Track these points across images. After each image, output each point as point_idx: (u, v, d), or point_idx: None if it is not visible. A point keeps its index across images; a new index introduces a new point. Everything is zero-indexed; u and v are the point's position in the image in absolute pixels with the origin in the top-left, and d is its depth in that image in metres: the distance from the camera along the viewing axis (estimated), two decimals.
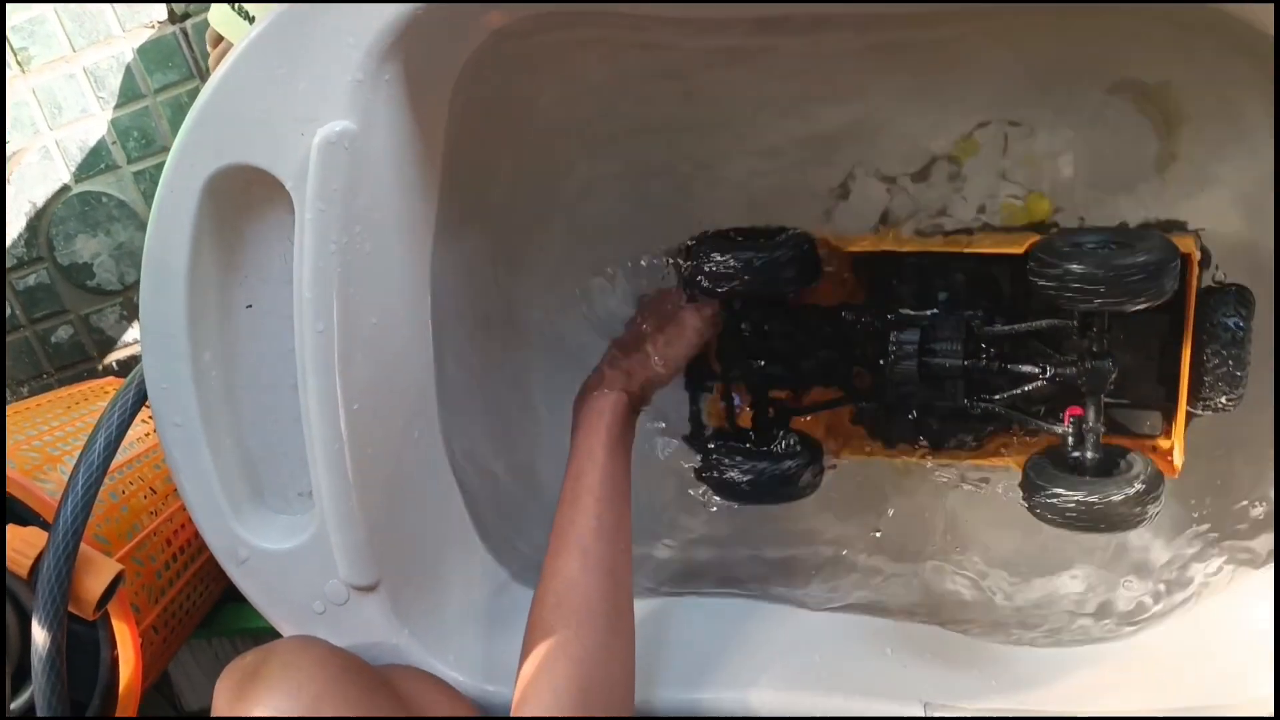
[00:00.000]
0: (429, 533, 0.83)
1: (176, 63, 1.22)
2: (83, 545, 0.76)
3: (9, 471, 0.85)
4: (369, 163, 0.70)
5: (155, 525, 0.98)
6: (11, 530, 0.79)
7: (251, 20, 1.03)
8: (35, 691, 0.76)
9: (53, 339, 1.30)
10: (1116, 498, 0.70)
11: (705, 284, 0.80)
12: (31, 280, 1.28)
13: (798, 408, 0.89)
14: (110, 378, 1.30)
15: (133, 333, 1.30)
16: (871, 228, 0.92)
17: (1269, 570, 0.83)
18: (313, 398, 0.71)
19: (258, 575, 0.77)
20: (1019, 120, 0.87)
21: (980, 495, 0.94)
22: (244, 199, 0.72)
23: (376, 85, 0.69)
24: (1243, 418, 0.84)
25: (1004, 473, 0.91)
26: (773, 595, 0.93)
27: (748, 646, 0.86)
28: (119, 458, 0.80)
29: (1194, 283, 0.74)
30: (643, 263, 0.93)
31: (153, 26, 1.21)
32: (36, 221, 1.26)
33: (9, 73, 1.22)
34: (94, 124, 1.24)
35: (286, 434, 0.77)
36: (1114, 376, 0.75)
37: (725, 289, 0.79)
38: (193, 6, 1.19)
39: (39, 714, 0.77)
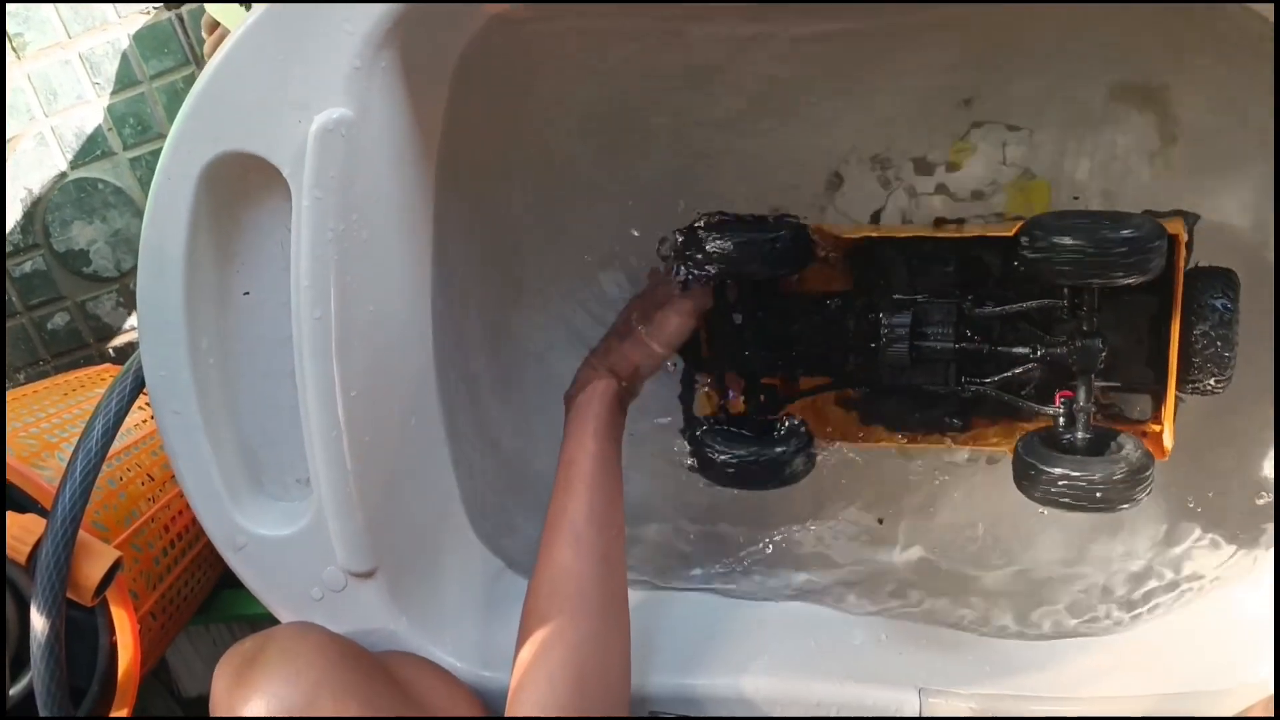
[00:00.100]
0: (427, 519, 0.83)
1: (172, 49, 1.21)
2: (81, 532, 0.76)
3: (7, 459, 0.85)
4: (366, 150, 0.70)
5: (153, 512, 0.98)
6: (10, 517, 0.79)
7: (249, 6, 1.03)
8: (34, 678, 0.77)
9: (49, 326, 1.30)
10: (1106, 477, 0.71)
11: (697, 267, 0.80)
12: (28, 267, 1.28)
13: (789, 393, 0.90)
14: (107, 364, 1.30)
15: (129, 320, 1.30)
16: (867, 217, 0.92)
17: (1259, 559, 0.83)
18: (310, 385, 0.71)
19: (256, 562, 0.78)
20: (1017, 120, 0.87)
21: (972, 482, 0.94)
22: (241, 186, 0.72)
23: (373, 72, 0.69)
24: (1238, 408, 0.85)
25: (996, 458, 0.92)
26: (765, 586, 0.93)
27: (741, 633, 0.87)
28: (117, 444, 0.80)
29: (1181, 264, 0.75)
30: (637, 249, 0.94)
31: (148, 13, 1.20)
32: (32, 208, 1.26)
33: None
34: (90, 110, 1.23)
35: (284, 421, 0.77)
36: (1104, 356, 0.76)
37: (717, 272, 0.79)
38: None
39: (38, 700, 0.77)
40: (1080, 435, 0.77)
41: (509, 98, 0.87)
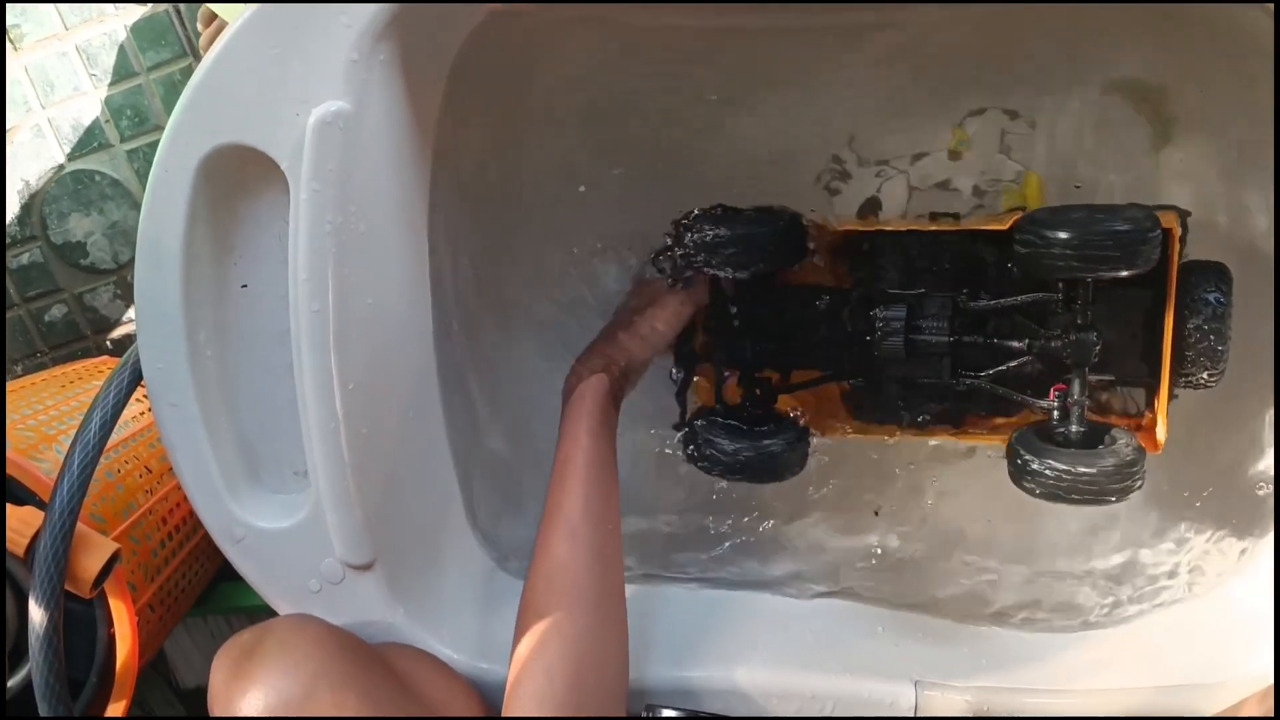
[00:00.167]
0: (425, 512, 0.83)
1: (169, 40, 1.21)
2: (79, 524, 0.76)
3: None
4: (364, 143, 0.70)
5: (151, 504, 0.98)
6: (8, 509, 0.80)
7: None
8: (32, 669, 0.77)
9: (46, 318, 1.30)
10: (1099, 469, 0.71)
11: (692, 260, 0.80)
12: (25, 259, 1.28)
13: (784, 386, 0.90)
14: (105, 357, 1.30)
15: (127, 312, 1.30)
16: (862, 210, 0.92)
17: (1253, 553, 0.84)
18: (308, 378, 0.71)
19: (254, 554, 0.78)
20: (1013, 110, 0.87)
21: (969, 476, 0.94)
22: (239, 179, 0.72)
23: (371, 65, 0.69)
24: (1231, 402, 0.85)
25: (992, 452, 0.92)
26: (761, 579, 0.93)
27: (738, 625, 0.87)
28: (114, 437, 0.80)
29: (1175, 257, 0.75)
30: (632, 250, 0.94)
31: (145, 4, 1.20)
32: (30, 200, 1.26)
33: None
34: (87, 102, 1.23)
35: (282, 414, 0.77)
36: (1097, 350, 0.76)
37: (712, 265, 0.79)
38: None
39: (36, 691, 0.77)
40: (1074, 429, 0.77)
41: (506, 91, 0.87)
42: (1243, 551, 0.85)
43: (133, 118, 1.23)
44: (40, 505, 0.80)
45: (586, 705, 0.67)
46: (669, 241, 0.83)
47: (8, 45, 1.21)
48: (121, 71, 1.22)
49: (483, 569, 0.89)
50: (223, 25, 1.10)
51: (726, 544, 0.97)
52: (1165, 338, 0.76)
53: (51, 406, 1.03)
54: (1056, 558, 0.92)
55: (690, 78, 0.89)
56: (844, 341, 0.86)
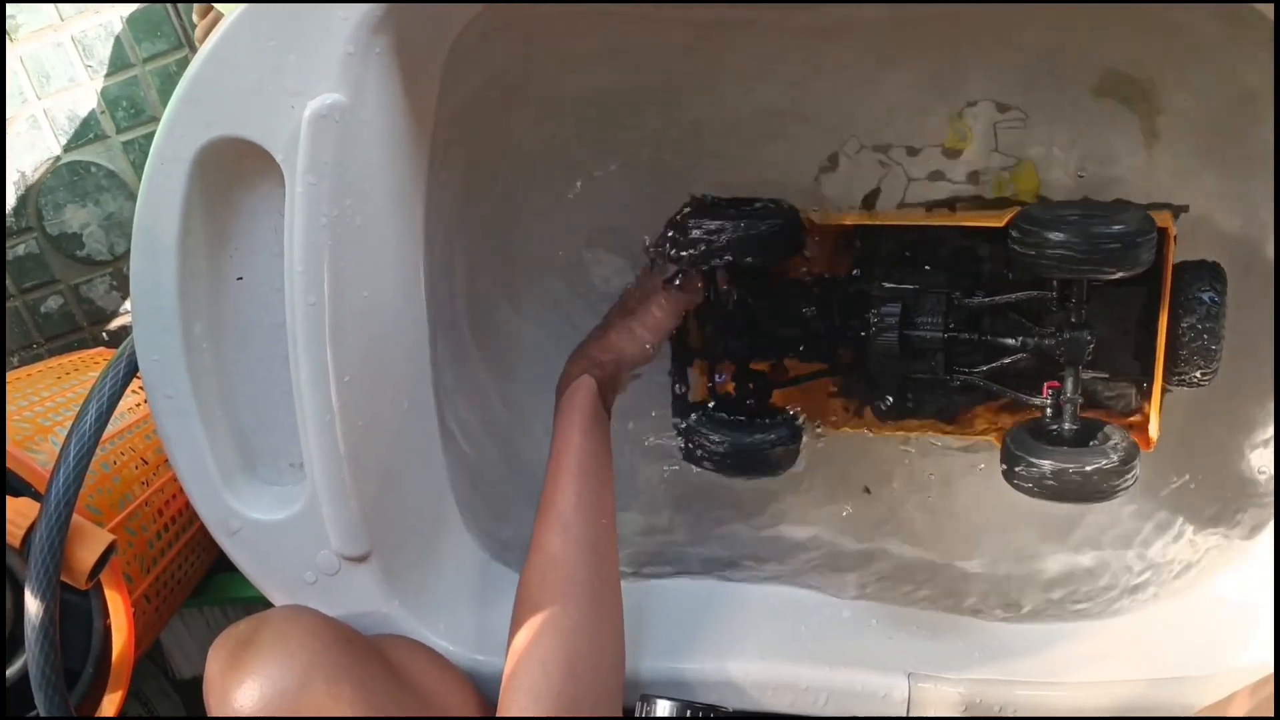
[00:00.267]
0: (420, 504, 0.83)
1: (165, 32, 1.21)
2: (75, 515, 0.76)
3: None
4: (360, 136, 0.70)
5: (147, 495, 0.98)
6: (4, 501, 0.80)
7: None
8: (28, 660, 0.77)
9: (42, 309, 1.30)
10: (1092, 468, 0.72)
11: (687, 253, 0.80)
12: (21, 250, 1.28)
13: (779, 380, 0.90)
14: (101, 348, 1.30)
15: (123, 303, 1.30)
16: (858, 203, 0.92)
17: (1244, 547, 0.84)
18: (304, 370, 0.71)
19: (249, 546, 0.78)
20: (1008, 105, 0.87)
21: (961, 471, 0.95)
22: (234, 171, 0.72)
23: (367, 58, 0.69)
24: (1224, 400, 0.85)
25: (985, 448, 0.92)
26: (755, 571, 0.94)
27: (732, 618, 0.87)
28: (110, 428, 0.80)
29: (1170, 256, 0.75)
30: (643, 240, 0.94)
31: (144, 1, 1.20)
32: (25, 191, 1.26)
33: None
34: (83, 93, 1.23)
35: (278, 406, 0.77)
36: (1092, 347, 0.76)
37: (707, 258, 0.79)
38: None
39: (32, 683, 0.77)
40: (1067, 426, 0.77)
41: (504, 81, 0.87)
42: (1233, 545, 0.85)
43: (128, 109, 1.23)
44: (36, 496, 0.80)
45: (582, 697, 0.68)
46: (665, 234, 0.83)
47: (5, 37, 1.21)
48: (117, 63, 1.22)
49: (478, 560, 0.89)
50: (218, 17, 1.10)
51: (721, 536, 0.97)
52: (1159, 336, 0.76)
53: (48, 398, 1.03)
54: (1047, 550, 0.93)
55: (687, 71, 0.89)
56: (838, 337, 0.87)
